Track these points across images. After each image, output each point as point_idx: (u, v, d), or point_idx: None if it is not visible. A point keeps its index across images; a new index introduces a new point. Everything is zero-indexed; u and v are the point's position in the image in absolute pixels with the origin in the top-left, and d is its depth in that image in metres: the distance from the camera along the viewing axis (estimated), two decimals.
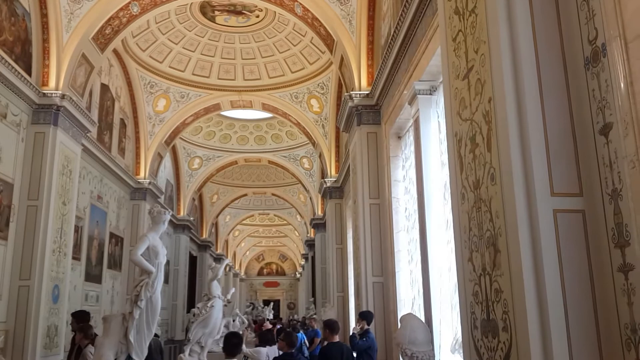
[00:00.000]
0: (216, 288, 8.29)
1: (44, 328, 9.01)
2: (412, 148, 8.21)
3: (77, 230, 11.44)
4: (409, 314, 4.02)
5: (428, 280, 7.02)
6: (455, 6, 4.45)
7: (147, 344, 5.05)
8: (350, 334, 8.36)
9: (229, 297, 10.37)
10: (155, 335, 9.47)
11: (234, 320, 11.24)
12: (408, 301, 8.52)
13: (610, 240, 3.09)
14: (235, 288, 11.85)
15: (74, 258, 10.84)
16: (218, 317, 8.16)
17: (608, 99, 3.12)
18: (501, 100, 3.53)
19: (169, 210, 5.53)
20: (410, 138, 8.56)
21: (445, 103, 4.72)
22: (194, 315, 8.65)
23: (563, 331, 3.09)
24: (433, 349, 3.67)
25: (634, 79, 2.93)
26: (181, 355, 7.94)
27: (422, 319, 7.25)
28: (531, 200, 3.28)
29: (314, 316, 14.24)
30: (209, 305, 8.03)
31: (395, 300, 8.65)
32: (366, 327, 7.57)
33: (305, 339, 12.41)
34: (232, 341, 5.11)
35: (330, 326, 6.67)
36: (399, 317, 7.58)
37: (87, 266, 12.22)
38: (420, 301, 7.79)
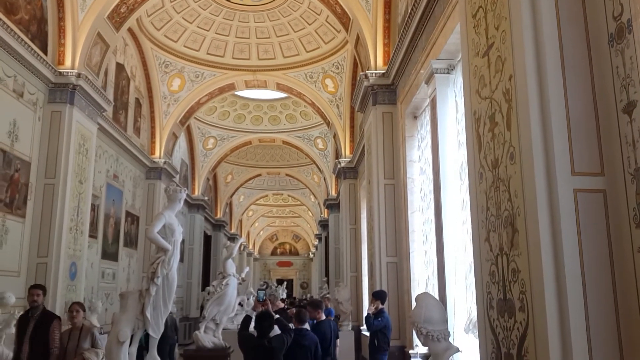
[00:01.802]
0: (231, 266, 8.33)
1: (62, 304, 9.13)
2: (428, 128, 8.14)
3: (94, 208, 11.55)
4: (425, 293, 4.01)
5: (443, 261, 7.01)
6: None
7: (164, 320, 5.10)
8: (365, 314, 8.39)
9: (243, 275, 10.43)
10: (170, 312, 9.60)
11: (248, 299, 11.32)
12: (422, 281, 8.52)
13: (631, 221, 3.04)
14: (248, 267, 11.93)
15: (90, 236, 10.96)
16: (233, 295, 8.22)
17: (632, 77, 3.05)
18: (522, 78, 3.47)
19: (185, 188, 5.54)
20: (426, 118, 8.49)
21: (464, 81, 4.65)
22: (209, 293, 8.72)
23: (581, 311, 3.06)
24: (448, 328, 3.69)
25: None
26: (196, 332, 8.03)
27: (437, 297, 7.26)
28: (551, 180, 3.23)
29: (327, 295, 14.31)
30: (224, 283, 8.08)
31: (410, 280, 8.66)
32: (380, 306, 7.59)
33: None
34: (263, 324, 5.15)
35: (316, 305, 6.98)
36: (413, 297, 7.59)
37: (103, 244, 12.36)
38: (434, 281, 7.78)
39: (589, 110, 3.30)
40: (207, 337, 7.94)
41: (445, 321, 3.79)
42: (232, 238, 27.59)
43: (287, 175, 26.75)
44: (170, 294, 5.04)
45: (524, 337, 3.42)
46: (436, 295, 7.23)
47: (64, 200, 9.41)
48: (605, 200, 3.20)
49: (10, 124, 8.61)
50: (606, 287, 3.10)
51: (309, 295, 31.20)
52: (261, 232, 44.15)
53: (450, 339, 6.74)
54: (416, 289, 8.35)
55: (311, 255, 42.92)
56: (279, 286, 24.69)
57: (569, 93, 3.32)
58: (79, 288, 9.91)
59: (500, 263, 3.76)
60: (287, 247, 46.86)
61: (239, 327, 5.86)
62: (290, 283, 41.42)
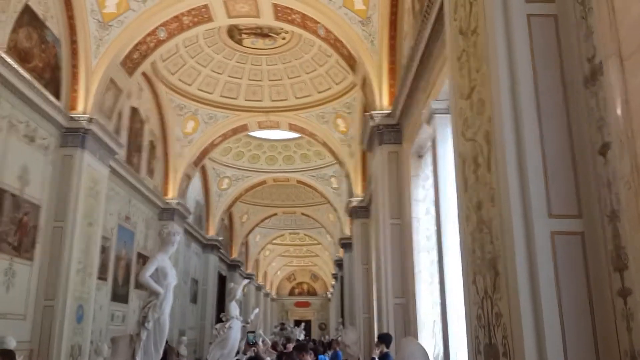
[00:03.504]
0: (234, 309, 8.29)
1: (68, 348, 9.15)
2: (432, 167, 8.12)
3: (104, 250, 11.65)
4: (408, 338, 3.96)
5: (445, 303, 6.89)
6: (459, 26, 4.42)
7: None
8: (370, 358, 8.23)
9: (251, 317, 10.38)
10: (179, 354, 9.54)
11: (257, 342, 11.21)
12: (429, 323, 8.35)
13: (610, 263, 2.98)
14: (258, 309, 11.84)
15: (100, 278, 11.02)
16: (236, 337, 8.16)
17: (606, 118, 3.04)
18: (499, 120, 3.47)
19: (180, 231, 5.57)
20: (429, 157, 8.48)
21: (451, 123, 4.67)
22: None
23: (561, 357, 2.97)
24: None
25: (630, 97, 2.84)
26: None
27: (441, 341, 7.11)
28: (528, 223, 3.20)
29: (338, 338, 14.08)
30: (226, 326, 8.04)
31: (416, 322, 8.50)
32: (385, 350, 7.44)
33: None
34: None
35: (301, 348, 6.99)
36: (420, 340, 7.44)
37: (113, 286, 12.41)
38: (440, 324, 7.63)
39: (565, 152, 3.28)
40: None
41: None
42: (248, 278, 27.50)
43: (302, 214, 26.76)
44: (162, 339, 5.02)
45: None
46: (441, 338, 7.09)
47: (72, 242, 9.51)
48: (584, 242, 3.14)
49: (21, 168, 8.80)
50: (586, 332, 3.01)
51: (327, 337, 30.72)
52: (278, 272, 43.91)
53: None
54: (422, 331, 8.19)
55: (329, 295, 42.45)
56: (296, 327, 24.37)
57: (544, 135, 3.30)
58: (86, 331, 9.91)
59: (486, 306, 3.69)
60: (305, 287, 46.45)
61: None
62: (308, 324, 40.89)
